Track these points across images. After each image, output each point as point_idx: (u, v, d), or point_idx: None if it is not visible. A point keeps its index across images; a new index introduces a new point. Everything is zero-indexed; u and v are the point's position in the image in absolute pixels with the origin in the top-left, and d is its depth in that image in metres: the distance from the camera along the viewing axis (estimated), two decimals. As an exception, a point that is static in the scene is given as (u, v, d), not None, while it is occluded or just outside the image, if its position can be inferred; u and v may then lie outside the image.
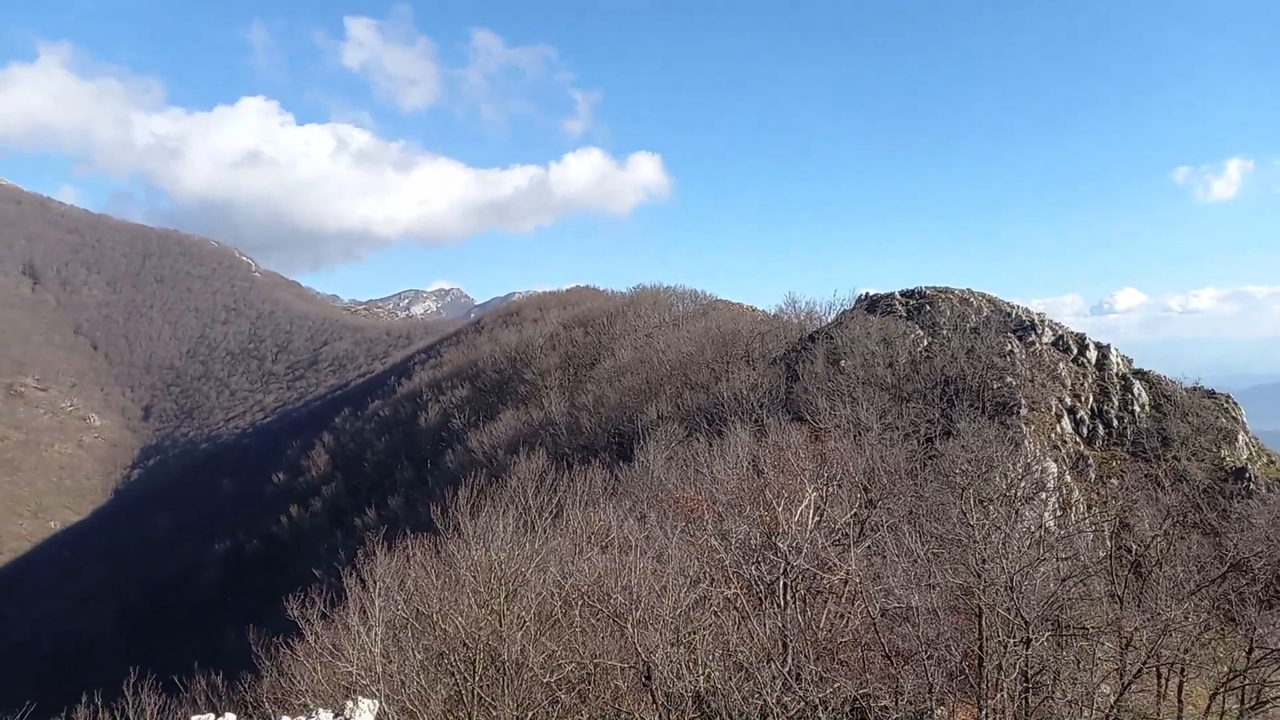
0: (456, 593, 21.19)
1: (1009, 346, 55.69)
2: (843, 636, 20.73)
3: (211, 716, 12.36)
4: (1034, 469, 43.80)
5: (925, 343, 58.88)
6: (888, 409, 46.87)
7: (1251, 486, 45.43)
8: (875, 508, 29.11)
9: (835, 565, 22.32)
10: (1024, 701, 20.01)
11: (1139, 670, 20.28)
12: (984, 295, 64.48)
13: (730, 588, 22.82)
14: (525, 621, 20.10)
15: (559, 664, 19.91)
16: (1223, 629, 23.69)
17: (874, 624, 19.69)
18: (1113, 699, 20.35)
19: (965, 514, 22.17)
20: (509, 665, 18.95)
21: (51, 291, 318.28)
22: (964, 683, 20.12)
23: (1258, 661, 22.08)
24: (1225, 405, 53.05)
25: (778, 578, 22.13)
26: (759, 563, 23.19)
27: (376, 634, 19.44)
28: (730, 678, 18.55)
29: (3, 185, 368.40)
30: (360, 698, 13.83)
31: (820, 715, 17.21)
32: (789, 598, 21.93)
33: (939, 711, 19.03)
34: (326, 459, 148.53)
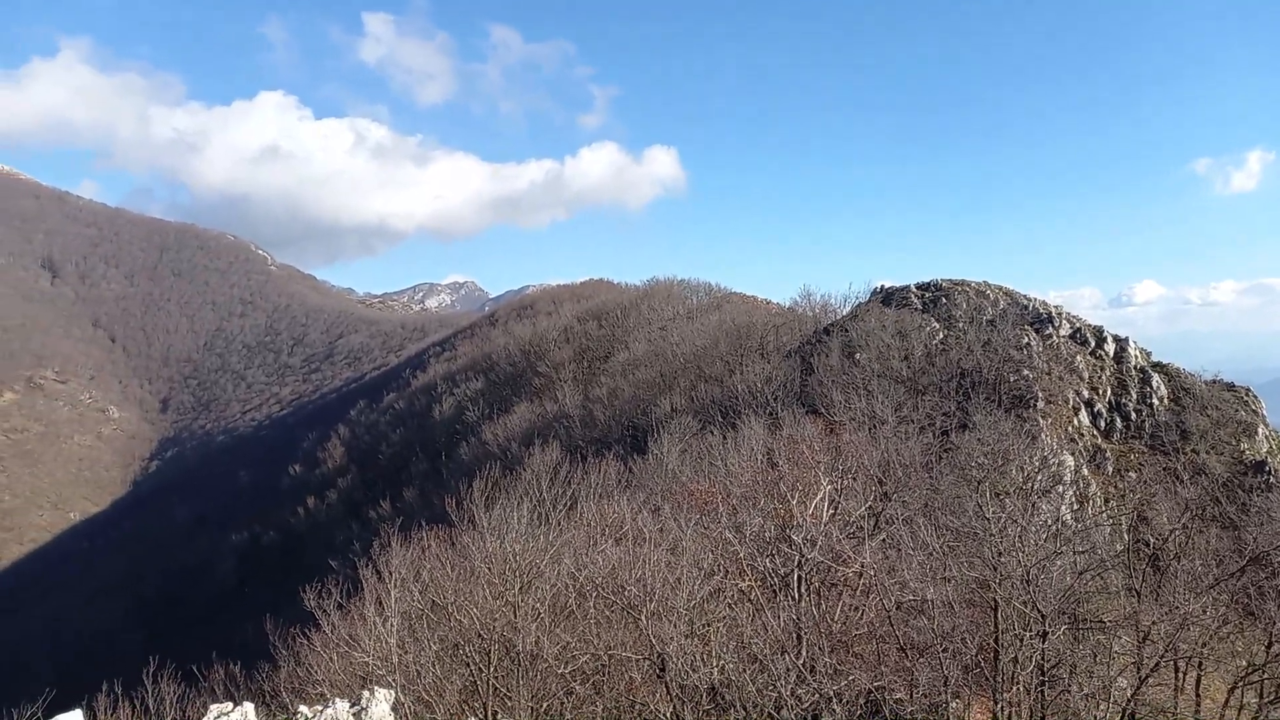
0: (471, 584, 21.26)
1: (1026, 339, 55.33)
2: (858, 629, 20.68)
3: (230, 706, 12.47)
4: (1051, 462, 43.59)
5: (941, 335, 58.59)
6: (903, 402, 46.70)
7: (1271, 480, 45.00)
8: (890, 501, 29.01)
9: (850, 558, 22.26)
10: (1040, 695, 19.93)
11: (1156, 664, 20.15)
12: (1000, 288, 64.07)
13: (745, 580, 22.81)
14: (540, 613, 20.15)
15: (573, 655, 19.95)
16: (1241, 623, 23.48)
17: (889, 617, 19.64)
18: (1130, 693, 20.23)
19: (981, 507, 22.06)
20: (524, 656, 19.01)
21: (70, 285, 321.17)
22: (979, 676, 20.05)
23: (1277, 656, 21.88)
24: (1245, 398, 52.53)
25: (792, 570, 22.10)
26: (773, 555, 23.15)
27: (392, 625, 19.54)
28: (745, 670, 18.55)
29: (22, 180, 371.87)
30: (376, 688, 13.93)
31: (835, 708, 17.19)
32: (803, 590, 21.90)
33: (954, 705, 18.98)
34: (342, 451, 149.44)
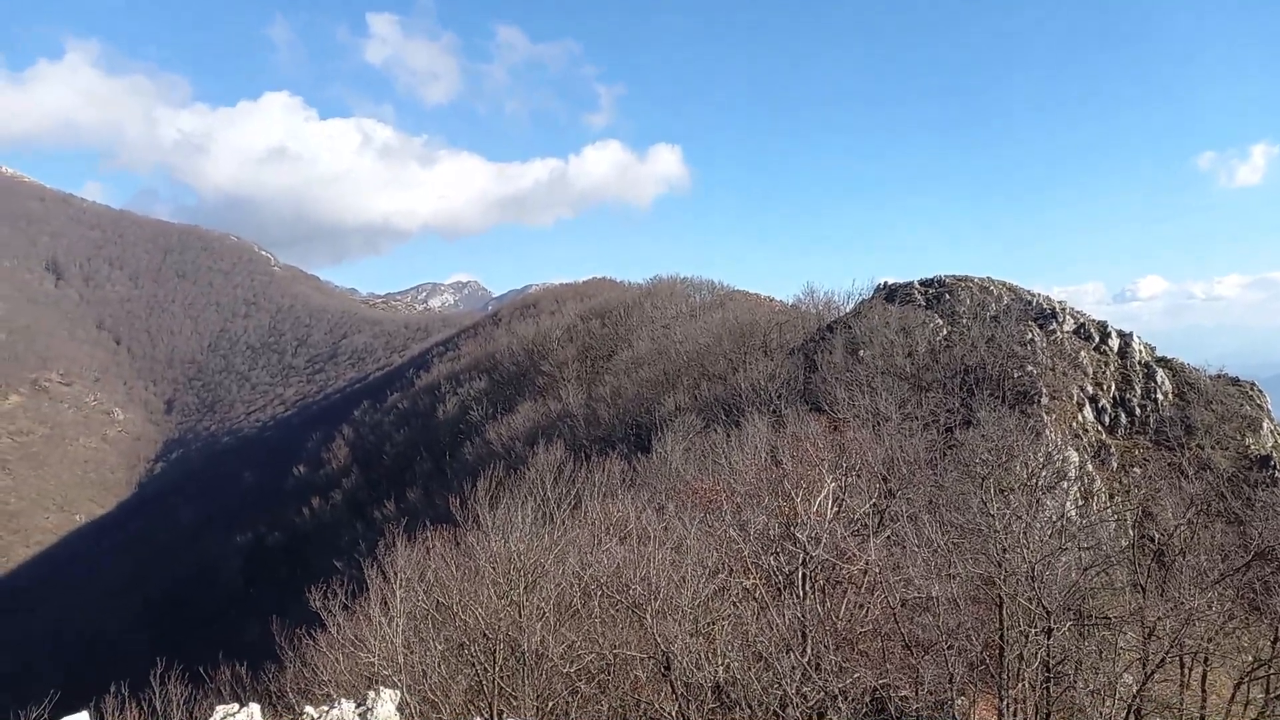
0: (476, 584, 21.30)
1: (1030, 335, 55.26)
2: (862, 626, 20.69)
3: (236, 707, 12.50)
4: (1055, 458, 43.51)
5: (945, 332, 58.53)
6: (907, 399, 46.66)
7: (1277, 474, 44.91)
8: (895, 498, 29.00)
9: (855, 555, 22.27)
10: (1045, 691, 19.91)
11: (1162, 660, 20.12)
12: (1004, 283, 63.98)
13: (749, 578, 22.82)
14: (544, 612, 20.19)
15: (578, 654, 19.99)
16: (1247, 618, 23.46)
17: (894, 614, 19.65)
18: (1135, 689, 20.21)
19: (986, 503, 22.03)
20: (529, 656, 19.05)
21: (74, 287, 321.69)
22: (985, 673, 20.04)
23: (1283, 651, 21.86)
24: (1250, 393, 52.40)
25: (796, 568, 22.11)
26: (778, 553, 23.16)
27: (398, 625, 19.60)
28: (750, 668, 18.57)
29: (26, 182, 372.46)
30: (382, 688, 13.93)
31: (840, 705, 17.20)
32: (808, 588, 21.91)
33: (959, 701, 18.97)
34: (346, 451, 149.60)
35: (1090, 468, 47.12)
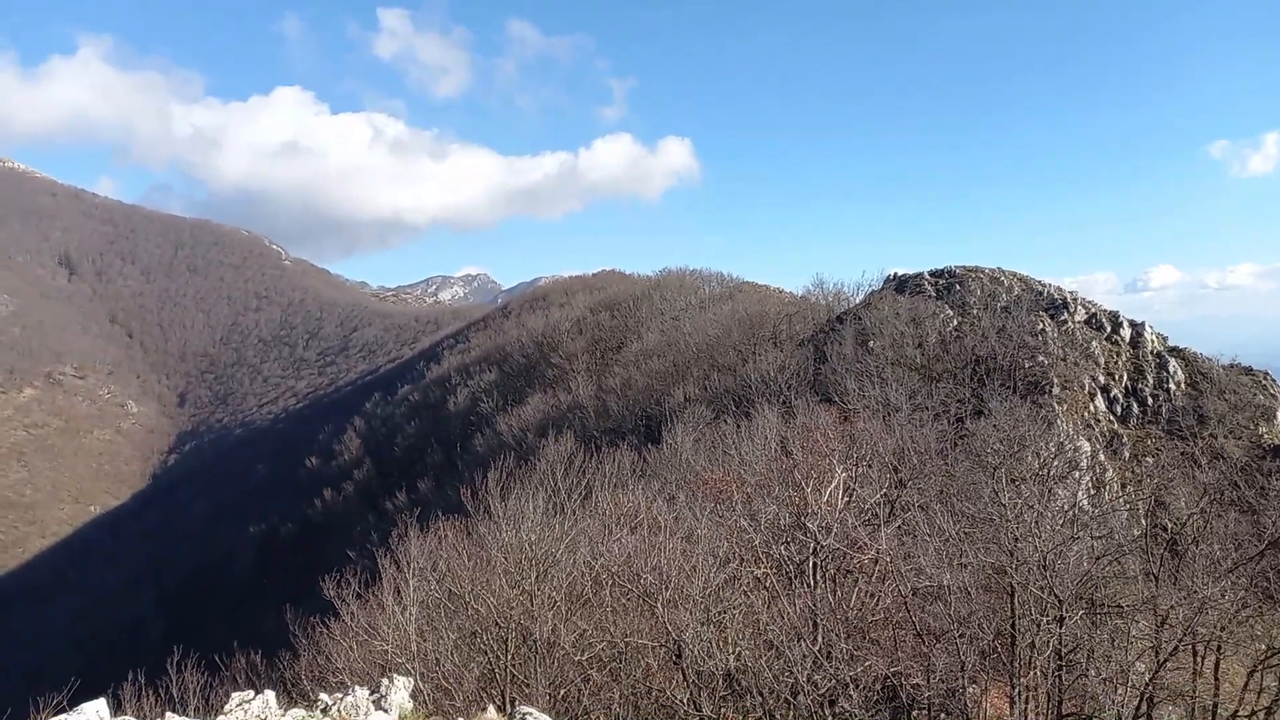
0: (488, 573, 21.42)
1: (1041, 325, 55.03)
2: (874, 615, 20.73)
3: (252, 694, 12.60)
4: (1067, 448, 43.40)
5: (955, 322, 58.35)
6: (917, 389, 46.60)
7: (1291, 464, 44.63)
8: (905, 488, 28.99)
9: (865, 545, 22.28)
10: (1057, 679, 19.93)
11: (1175, 648, 20.09)
12: (1015, 274, 63.72)
13: (760, 567, 22.88)
14: (556, 601, 20.30)
15: (590, 643, 20.10)
16: (1260, 606, 23.35)
17: (905, 603, 19.67)
18: (1148, 677, 20.19)
19: (997, 493, 22.01)
20: (541, 644, 19.17)
21: (87, 281, 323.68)
22: (996, 661, 20.06)
23: (1297, 639, 21.78)
24: (1263, 382, 52.11)
25: (807, 557, 22.14)
26: (788, 543, 23.20)
27: (411, 614, 19.74)
28: (761, 656, 18.63)
29: (38, 178, 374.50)
30: (396, 675, 14.02)
31: (851, 693, 17.24)
32: (819, 577, 21.95)
33: (971, 690, 19.00)
34: (358, 443, 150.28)
35: (1102, 457, 46.97)
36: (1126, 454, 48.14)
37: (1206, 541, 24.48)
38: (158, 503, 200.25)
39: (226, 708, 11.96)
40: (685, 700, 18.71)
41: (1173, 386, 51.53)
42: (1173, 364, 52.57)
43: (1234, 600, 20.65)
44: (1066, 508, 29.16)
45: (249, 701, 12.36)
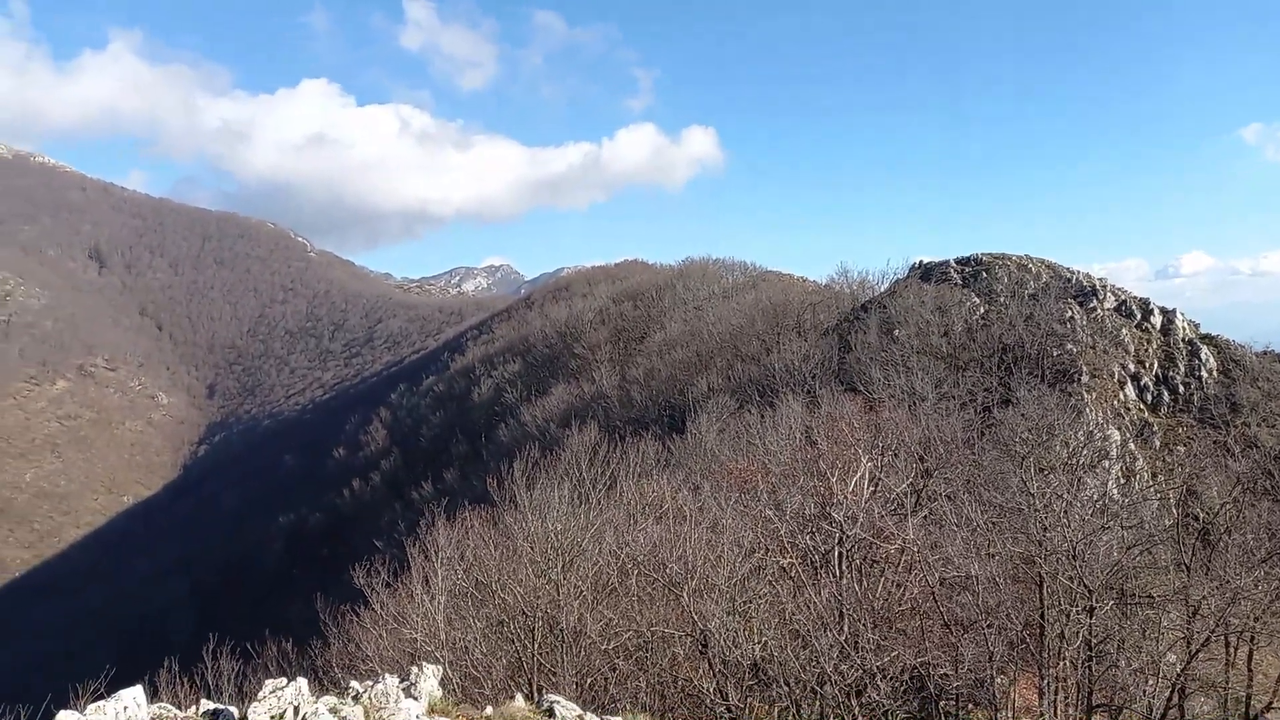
0: (515, 563, 21.58)
1: (1069, 313, 54.37)
2: (901, 605, 20.65)
3: (284, 681, 12.79)
4: (1096, 436, 42.92)
5: (982, 310, 57.80)
6: (943, 378, 46.24)
7: (1327, 453, 43.87)
8: (932, 477, 28.83)
9: (892, 534, 22.20)
10: (1088, 670, 19.77)
11: (1207, 639, 19.88)
12: (1043, 261, 62.97)
13: (786, 557, 22.86)
14: (582, 591, 20.41)
15: (616, 632, 20.20)
16: (1295, 598, 23.05)
17: (933, 593, 19.58)
18: (1179, 668, 20.00)
19: (1025, 482, 21.85)
20: (568, 633, 19.29)
21: (117, 274, 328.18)
22: (1025, 651, 19.94)
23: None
24: (1298, 369, 51.21)
25: (833, 547, 22.09)
26: (814, 533, 23.17)
27: (439, 602, 19.93)
28: (787, 645, 18.64)
29: (69, 172, 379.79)
30: (425, 663, 14.17)
31: (879, 683, 17.22)
32: (845, 567, 21.89)
33: (999, 680, 18.91)
34: (384, 434, 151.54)
35: (1132, 446, 46.40)
36: (1157, 443, 47.52)
37: (1239, 531, 24.19)
38: (188, 493, 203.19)
39: (260, 695, 12.13)
40: (711, 690, 18.77)
41: (1205, 374, 50.78)
42: (1204, 351, 51.79)
43: (1267, 591, 20.39)
44: (1096, 497, 28.87)
45: (282, 689, 12.53)
